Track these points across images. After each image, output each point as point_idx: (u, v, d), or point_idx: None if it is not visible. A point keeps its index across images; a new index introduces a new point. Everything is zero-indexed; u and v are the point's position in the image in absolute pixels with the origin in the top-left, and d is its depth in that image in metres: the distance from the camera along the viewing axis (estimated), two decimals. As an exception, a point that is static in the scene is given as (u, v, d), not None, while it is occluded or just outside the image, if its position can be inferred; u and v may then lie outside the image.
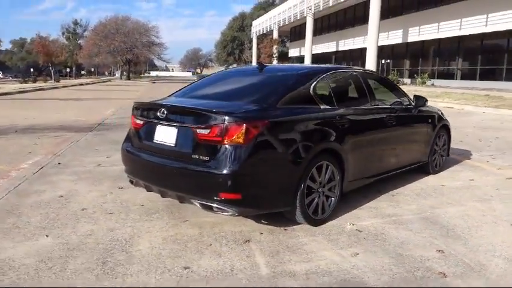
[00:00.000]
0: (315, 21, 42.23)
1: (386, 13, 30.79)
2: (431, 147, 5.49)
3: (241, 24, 77.48)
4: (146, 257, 3.04)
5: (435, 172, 5.65)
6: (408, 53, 33.51)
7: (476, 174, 5.59)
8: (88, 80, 49.10)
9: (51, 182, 5.01)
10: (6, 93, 22.42)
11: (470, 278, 2.80)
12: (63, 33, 67.42)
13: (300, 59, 48.76)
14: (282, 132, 3.43)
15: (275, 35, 52.71)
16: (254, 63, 56.91)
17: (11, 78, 63.53)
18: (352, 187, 4.17)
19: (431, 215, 4.01)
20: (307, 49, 41.40)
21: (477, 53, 26.07)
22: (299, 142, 3.48)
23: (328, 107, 3.94)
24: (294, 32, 56.50)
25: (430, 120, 5.48)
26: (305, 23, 41.65)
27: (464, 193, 4.75)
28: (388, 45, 33.80)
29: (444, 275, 2.83)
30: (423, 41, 30.36)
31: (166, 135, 3.54)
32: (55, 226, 3.61)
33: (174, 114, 3.54)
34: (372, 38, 27.52)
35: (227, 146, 3.18)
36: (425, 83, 28.02)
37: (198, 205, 3.34)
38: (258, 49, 54.74)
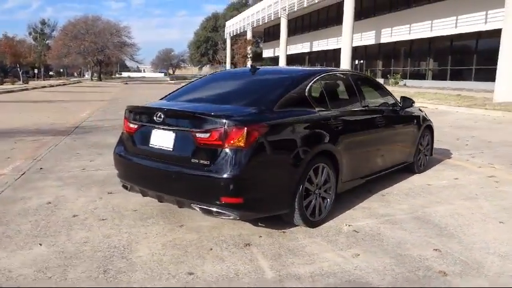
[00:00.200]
0: (289, 22, 42.41)
1: (359, 14, 31.21)
2: (416, 147, 5.62)
3: (215, 24, 77.04)
4: (148, 263, 2.99)
5: (420, 171, 5.78)
6: (381, 54, 34.07)
7: (459, 173, 5.75)
8: (58, 82, 47.69)
9: (36, 188, 4.85)
10: (-26, 96, 21.60)
11: (469, 276, 2.88)
12: (30, 33, 65.81)
13: (274, 59, 48.88)
14: (281, 135, 3.45)
15: (249, 35, 52.65)
16: (228, 65, 56.97)
17: (-25, 80, 61.16)
18: (346, 188, 4.22)
19: (423, 214, 4.09)
20: (281, 50, 41.58)
21: (447, 53, 26.76)
22: (297, 144, 3.51)
23: (322, 109, 3.98)
24: (268, 33, 56.60)
25: (415, 121, 5.62)
26: (279, 24, 41.79)
27: (451, 192, 4.87)
28: (362, 46, 34.28)
29: (444, 273, 2.89)
30: (395, 42, 30.91)
31: (163, 139, 3.48)
32: (48, 234, 3.50)
33: (171, 118, 3.49)
34: (346, 39, 27.84)
35: (228, 149, 3.16)
36: (398, 83, 28.57)
37: (198, 209, 3.31)
38: (232, 50, 54.52)
